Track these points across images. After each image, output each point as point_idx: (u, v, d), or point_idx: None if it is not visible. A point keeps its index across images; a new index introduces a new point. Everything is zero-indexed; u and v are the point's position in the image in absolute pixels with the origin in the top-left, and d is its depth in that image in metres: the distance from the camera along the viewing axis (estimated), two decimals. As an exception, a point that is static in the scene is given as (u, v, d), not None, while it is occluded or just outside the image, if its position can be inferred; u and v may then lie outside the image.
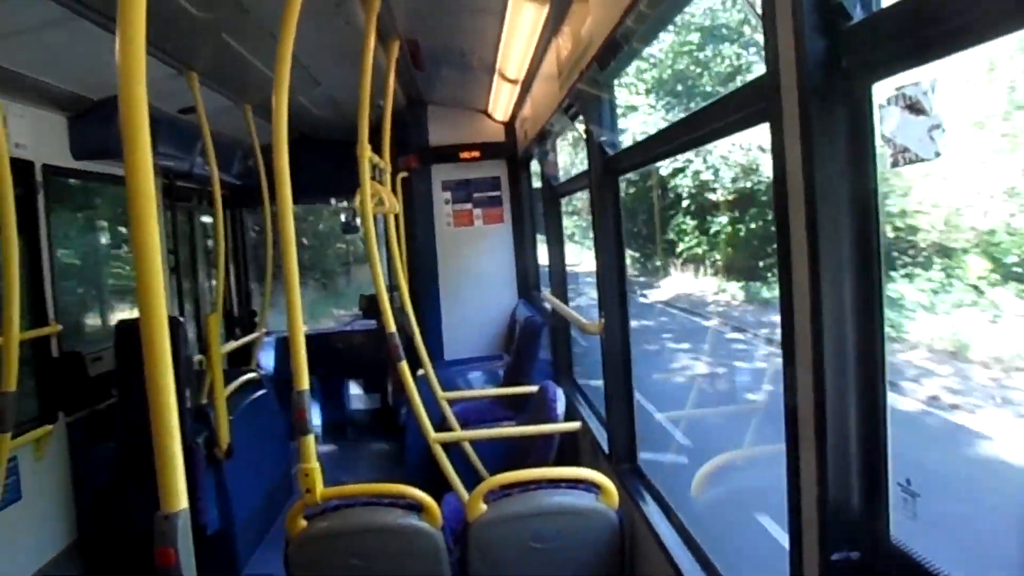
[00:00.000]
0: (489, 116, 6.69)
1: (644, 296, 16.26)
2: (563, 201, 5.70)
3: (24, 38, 3.57)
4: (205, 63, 4.58)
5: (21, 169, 4.25)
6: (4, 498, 3.81)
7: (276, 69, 2.84)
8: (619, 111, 3.49)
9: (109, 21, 3.39)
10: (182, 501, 1.61)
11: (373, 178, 4.68)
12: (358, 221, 7.27)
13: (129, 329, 4.76)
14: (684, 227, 15.56)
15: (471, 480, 3.88)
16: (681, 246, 15.81)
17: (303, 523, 2.99)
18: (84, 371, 4.64)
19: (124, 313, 6.12)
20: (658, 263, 17.25)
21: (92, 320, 6.06)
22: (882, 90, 1.41)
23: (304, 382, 2.87)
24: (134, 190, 1.59)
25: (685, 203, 15.26)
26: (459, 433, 4.47)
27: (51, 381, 4.51)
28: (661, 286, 16.78)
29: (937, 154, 1.29)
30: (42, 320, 4.45)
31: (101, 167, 4.96)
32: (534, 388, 4.73)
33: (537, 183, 6.33)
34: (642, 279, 17.23)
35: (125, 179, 1.60)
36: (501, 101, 6.09)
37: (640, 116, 15.11)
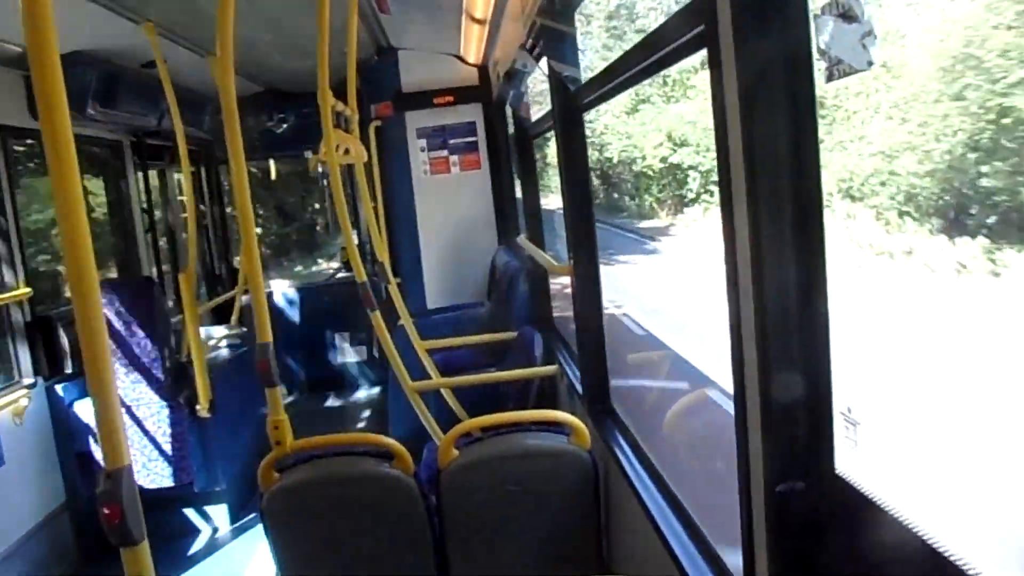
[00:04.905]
0: (462, 60, 6.51)
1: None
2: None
3: None
4: (162, 13, 4.41)
5: None
6: None
7: (219, 10, 2.71)
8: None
9: None
10: (124, 457, 1.57)
11: (338, 127, 4.56)
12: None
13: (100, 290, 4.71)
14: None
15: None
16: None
17: (276, 475, 2.98)
18: (57, 335, 4.61)
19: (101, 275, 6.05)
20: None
21: (63, 284, 6.00)
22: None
23: (267, 335, 2.81)
24: (51, 138, 1.45)
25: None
26: (435, 381, 4.46)
27: (24, 346, 4.48)
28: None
29: (870, 63, 1.21)
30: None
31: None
32: (514, 334, 4.70)
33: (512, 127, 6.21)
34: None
35: (40, 129, 1.49)
36: (472, 43, 5.91)
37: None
